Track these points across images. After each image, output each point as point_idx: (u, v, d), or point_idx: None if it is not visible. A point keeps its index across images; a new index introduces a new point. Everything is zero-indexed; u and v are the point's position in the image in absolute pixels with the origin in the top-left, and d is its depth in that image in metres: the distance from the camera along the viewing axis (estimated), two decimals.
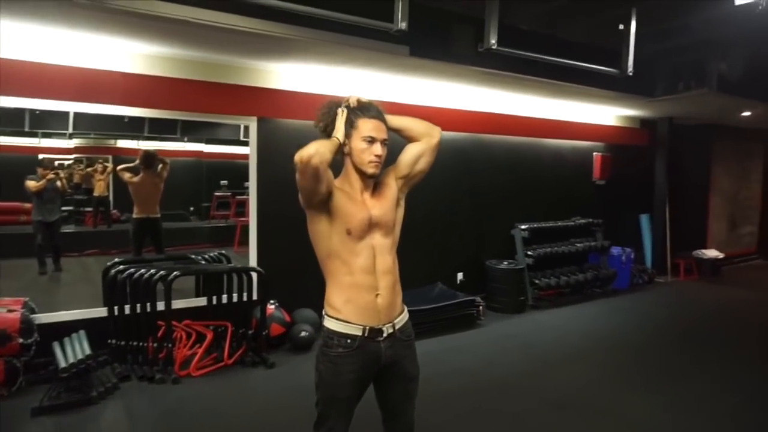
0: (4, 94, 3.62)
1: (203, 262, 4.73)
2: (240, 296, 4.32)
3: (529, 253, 6.17)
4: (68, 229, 5.49)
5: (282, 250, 4.85)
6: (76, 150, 7.27)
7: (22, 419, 3.19)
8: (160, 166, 5.10)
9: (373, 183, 2.02)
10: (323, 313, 2.00)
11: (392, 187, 2.06)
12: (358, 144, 1.94)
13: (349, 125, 1.95)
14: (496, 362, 4.36)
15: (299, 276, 4.92)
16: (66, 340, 3.80)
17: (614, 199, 7.64)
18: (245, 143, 4.67)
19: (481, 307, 5.45)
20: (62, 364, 3.43)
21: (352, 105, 1.98)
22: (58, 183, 5.01)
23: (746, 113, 7.37)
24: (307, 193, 1.86)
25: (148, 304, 3.94)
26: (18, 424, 3.14)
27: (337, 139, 1.91)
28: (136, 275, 3.97)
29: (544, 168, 6.77)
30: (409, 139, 2.11)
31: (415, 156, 2.08)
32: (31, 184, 4.91)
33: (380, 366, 1.96)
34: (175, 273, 3.97)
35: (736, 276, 8.29)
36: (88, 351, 3.58)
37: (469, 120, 5.85)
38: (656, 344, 4.94)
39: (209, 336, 4.11)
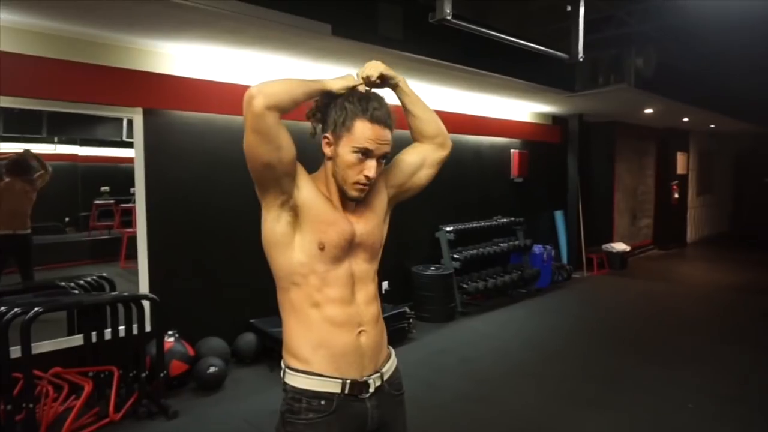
0: None
1: (76, 290, 3.80)
2: (128, 330, 3.47)
3: (455, 256, 5.81)
4: None
5: (180, 268, 4.06)
6: None
7: None
8: (38, 173, 4.02)
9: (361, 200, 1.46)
10: (282, 365, 1.42)
11: (382, 196, 1.50)
12: (345, 153, 1.36)
13: (342, 120, 1.36)
14: (436, 385, 3.89)
15: (203, 297, 4.19)
16: None
17: (531, 197, 7.56)
18: (129, 144, 3.81)
19: (411, 320, 4.99)
20: None
21: (364, 81, 1.42)
22: None
23: (649, 110, 7.60)
24: (251, 161, 1.30)
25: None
26: None
27: (321, 86, 1.34)
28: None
29: (465, 166, 6.46)
30: (416, 132, 1.57)
31: (417, 163, 1.56)
32: None
33: None
34: (36, 310, 3.04)
35: (640, 267, 8.60)
36: None
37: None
38: (592, 348, 4.76)
39: (87, 386, 3.20)
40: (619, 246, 8.44)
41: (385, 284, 5.50)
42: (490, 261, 6.30)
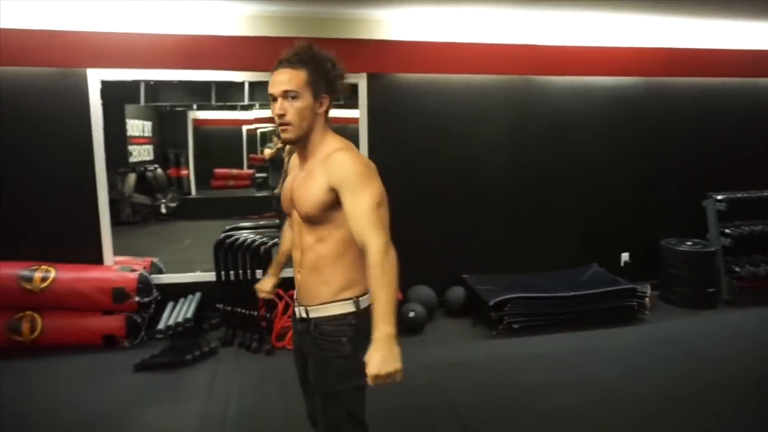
0: (110, 66, 3.84)
1: None
2: None
3: (726, 231, 4.71)
4: None
5: (398, 221, 4.40)
6: (255, 121, 7.85)
7: (126, 372, 3.40)
8: None
9: (308, 157, 1.64)
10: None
11: (323, 176, 1.58)
12: None
13: None
14: (643, 377, 3.35)
15: (418, 249, 4.47)
16: (181, 300, 4.00)
17: None
18: (347, 105, 4.31)
19: (646, 299, 4.33)
20: (161, 325, 3.58)
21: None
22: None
23: None
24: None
25: (251, 271, 3.91)
26: (120, 376, 3.36)
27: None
28: (242, 241, 3.96)
29: (745, 119, 5.06)
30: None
31: (344, 215, 1.57)
32: (267, 152, 5.28)
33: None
34: (274, 241, 3.86)
35: None
36: (189, 315, 3.69)
37: (640, 59, 4.59)
38: None
39: None
40: None
41: (625, 256, 4.88)
42: None
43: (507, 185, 4.63)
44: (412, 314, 4.03)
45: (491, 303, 3.98)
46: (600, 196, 4.80)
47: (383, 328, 1.39)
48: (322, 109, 1.61)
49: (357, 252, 1.54)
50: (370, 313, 1.50)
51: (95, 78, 3.85)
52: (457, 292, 4.42)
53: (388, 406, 3.03)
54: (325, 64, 1.60)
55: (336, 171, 1.53)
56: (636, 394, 3.14)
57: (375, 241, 1.43)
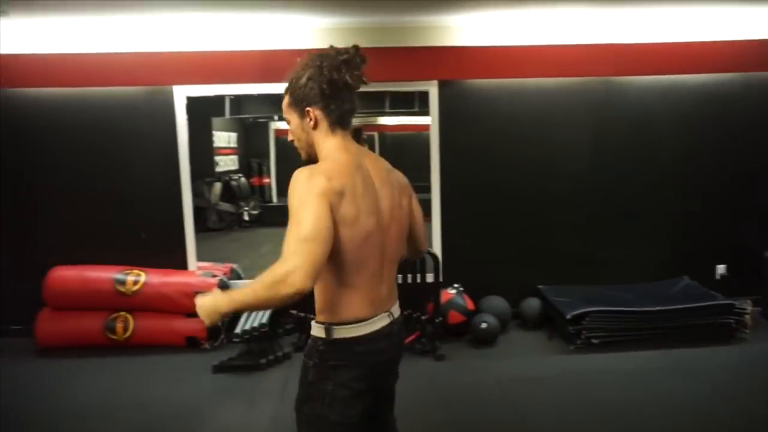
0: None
1: None
2: (414, 278, 4.02)
3: None
4: None
5: (468, 228, 4.37)
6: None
7: (206, 372, 3.57)
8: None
9: None
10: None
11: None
12: None
13: None
14: (739, 403, 3.05)
15: (490, 258, 4.39)
16: None
17: None
18: (419, 113, 4.31)
19: (746, 316, 3.95)
20: (238, 329, 3.73)
21: None
22: None
23: None
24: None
25: None
26: (200, 376, 3.54)
27: None
28: None
29: None
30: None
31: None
32: None
33: None
34: None
35: None
36: (265, 320, 3.81)
37: (735, 52, 4.20)
38: None
39: None
40: None
41: (720, 268, 4.48)
42: None
43: (586, 190, 4.41)
44: (484, 325, 3.93)
45: (569, 316, 3.79)
46: (690, 202, 4.44)
47: (229, 294, 1.40)
48: (311, 123, 1.48)
49: (335, 279, 1.44)
50: (342, 347, 1.45)
51: (181, 94, 4.11)
52: (532, 304, 4.26)
53: (458, 418, 2.98)
54: (292, 80, 1.49)
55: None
56: (730, 420, 2.86)
57: (280, 264, 1.26)
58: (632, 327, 3.83)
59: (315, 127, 1.49)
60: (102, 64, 3.96)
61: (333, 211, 1.34)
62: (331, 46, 1.50)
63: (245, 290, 1.34)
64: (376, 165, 1.54)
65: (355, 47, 1.49)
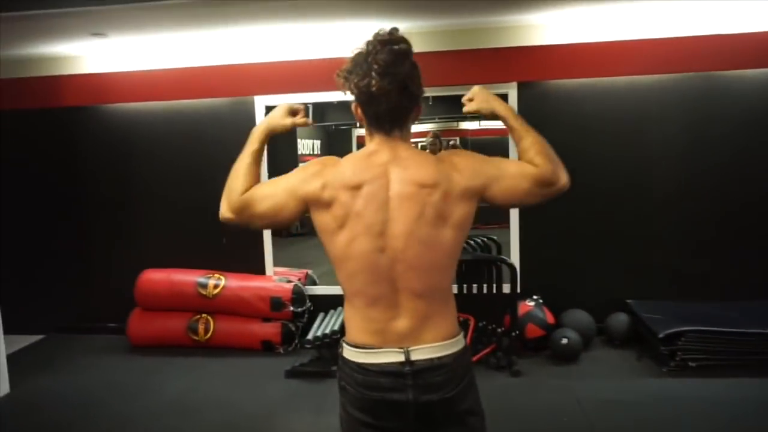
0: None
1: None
2: (489, 288, 3.86)
3: None
4: None
5: (549, 236, 4.12)
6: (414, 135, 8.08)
7: (278, 377, 3.63)
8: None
9: None
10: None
11: None
12: None
13: None
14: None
15: (572, 269, 4.13)
16: (331, 312, 4.17)
17: None
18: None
19: None
20: (310, 335, 3.76)
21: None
22: None
23: None
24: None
25: None
26: (273, 380, 3.60)
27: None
28: None
29: None
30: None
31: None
32: None
33: None
34: None
35: None
36: (336, 327, 3.81)
37: None
38: None
39: None
40: None
41: None
42: None
43: (682, 198, 4.02)
44: (565, 341, 3.68)
45: (661, 335, 3.46)
46: None
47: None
48: (357, 118, 1.41)
49: (344, 288, 1.39)
50: (347, 368, 1.36)
51: (261, 104, 4.23)
52: (619, 320, 3.94)
53: None
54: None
55: None
56: None
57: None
58: (736, 350, 3.42)
59: (360, 121, 1.41)
60: (189, 77, 4.18)
61: (309, 204, 1.35)
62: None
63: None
64: (410, 178, 1.31)
65: (382, 41, 1.30)
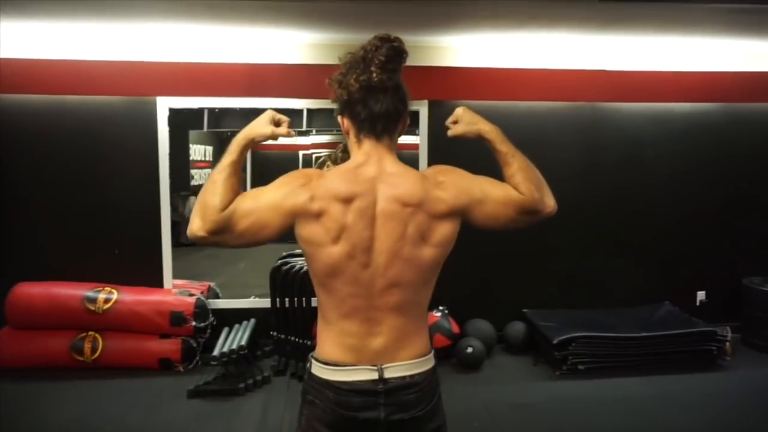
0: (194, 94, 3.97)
1: None
2: None
3: None
4: None
5: (453, 249, 4.27)
6: (312, 146, 7.95)
7: (180, 397, 3.38)
8: None
9: None
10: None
11: None
12: None
13: None
14: (725, 430, 3.05)
15: (477, 281, 4.32)
16: (236, 327, 3.98)
17: None
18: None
19: (726, 343, 3.97)
20: (216, 351, 3.56)
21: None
22: None
23: None
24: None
25: (304, 299, 3.86)
26: (174, 401, 3.34)
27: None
28: (297, 269, 3.93)
29: None
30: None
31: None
32: None
33: None
34: None
35: None
36: (244, 342, 3.65)
37: (717, 83, 4.30)
38: None
39: None
40: None
41: (701, 294, 4.53)
42: None
43: (574, 215, 4.38)
44: (470, 350, 3.85)
45: (555, 341, 3.75)
46: (675, 230, 4.48)
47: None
48: (344, 130, 1.41)
49: (319, 309, 1.38)
50: (317, 384, 1.34)
51: (164, 106, 3.96)
52: (517, 328, 4.21)
53: None
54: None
55: None
56: None
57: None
58: (617, 353, 3.81)
59: (348, 135, 1.39)
60: (84, 71, 3.79)
61: (297, 216, 1.29)
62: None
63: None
64: (396, 197, 1.30)
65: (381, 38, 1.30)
